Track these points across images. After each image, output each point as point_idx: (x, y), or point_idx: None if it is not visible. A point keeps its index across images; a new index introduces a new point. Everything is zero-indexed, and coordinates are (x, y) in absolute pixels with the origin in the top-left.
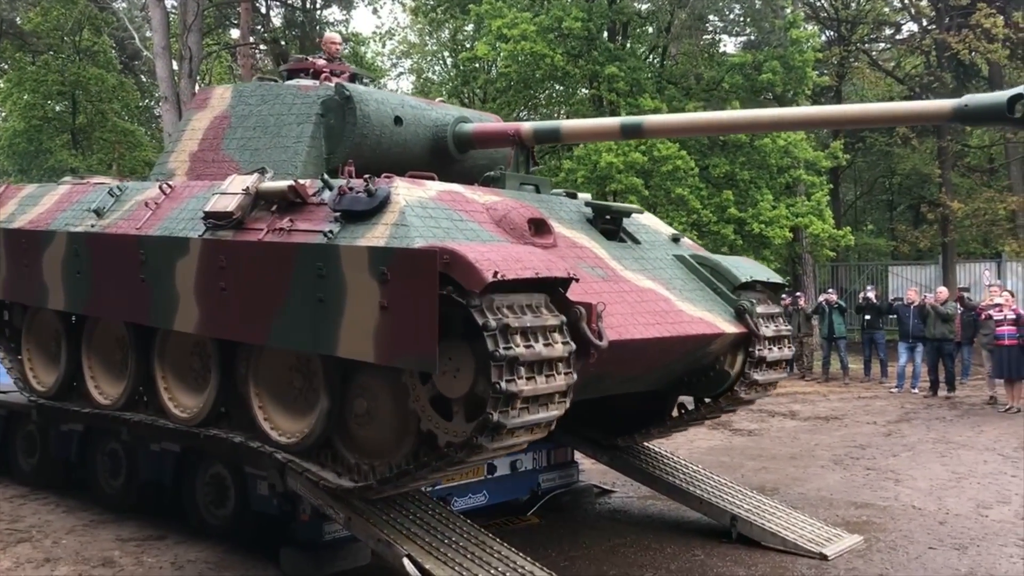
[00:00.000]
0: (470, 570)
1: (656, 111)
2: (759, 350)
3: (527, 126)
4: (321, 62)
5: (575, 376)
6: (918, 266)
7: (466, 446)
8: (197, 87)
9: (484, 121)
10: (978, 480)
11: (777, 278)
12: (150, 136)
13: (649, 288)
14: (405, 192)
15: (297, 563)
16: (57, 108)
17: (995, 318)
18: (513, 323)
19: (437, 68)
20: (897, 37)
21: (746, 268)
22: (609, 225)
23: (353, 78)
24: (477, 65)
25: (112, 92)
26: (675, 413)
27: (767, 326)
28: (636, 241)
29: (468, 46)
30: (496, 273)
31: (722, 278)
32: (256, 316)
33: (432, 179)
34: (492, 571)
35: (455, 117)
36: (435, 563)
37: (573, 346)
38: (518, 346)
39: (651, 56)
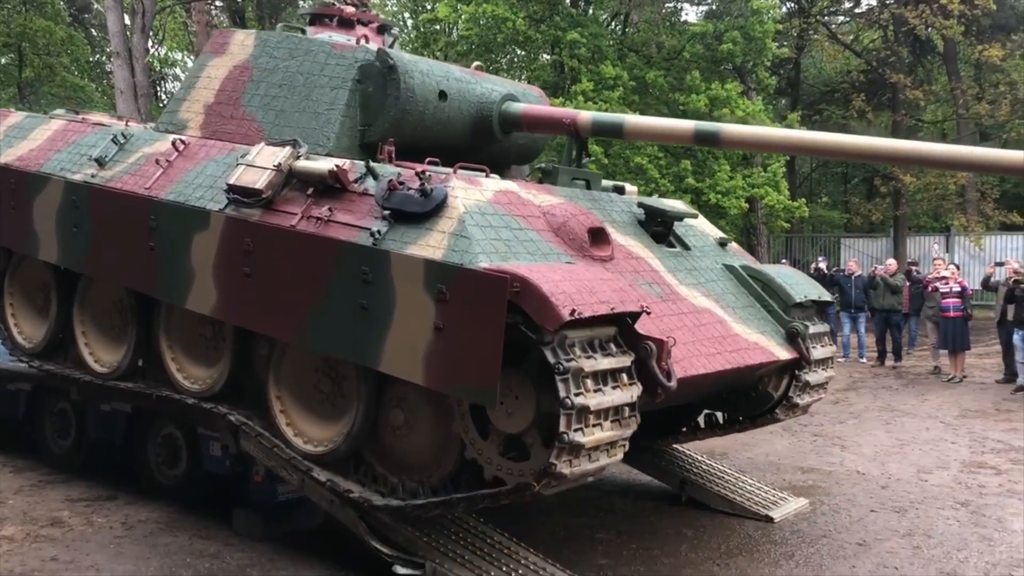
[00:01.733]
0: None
1: (616, 79)
2: (806, 373)
3: (586, 116)
4: (350, 9)
5: (639, 419)
6: (870, 238)
7: (519, 490)
8: (150, 43)
9: (528, 96)
10: (920, 447)
11: (827, 295)
12: (101, 93)
13: (705, 308)
14: (463, 194)
15: (249, 523)
16: (2, 61)
17: (941, 290)
18: (586, 366)
19: (396, 29)
20: (856, 11)
21: (799, 286)
22: (660, 228)
23: (382, 29)
24: (438, 27)
25: (61, 45)
26: (702, 423)
27: (816, 347)
28: (686, 247)
29: (429, 7)
30: (573, 312)
31: (774, 295)
32: (285, 312)
33: (484, 173)
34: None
35: (502, 94)
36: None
37: (640, 388)
38: (589, 391)
39: (613, 23)
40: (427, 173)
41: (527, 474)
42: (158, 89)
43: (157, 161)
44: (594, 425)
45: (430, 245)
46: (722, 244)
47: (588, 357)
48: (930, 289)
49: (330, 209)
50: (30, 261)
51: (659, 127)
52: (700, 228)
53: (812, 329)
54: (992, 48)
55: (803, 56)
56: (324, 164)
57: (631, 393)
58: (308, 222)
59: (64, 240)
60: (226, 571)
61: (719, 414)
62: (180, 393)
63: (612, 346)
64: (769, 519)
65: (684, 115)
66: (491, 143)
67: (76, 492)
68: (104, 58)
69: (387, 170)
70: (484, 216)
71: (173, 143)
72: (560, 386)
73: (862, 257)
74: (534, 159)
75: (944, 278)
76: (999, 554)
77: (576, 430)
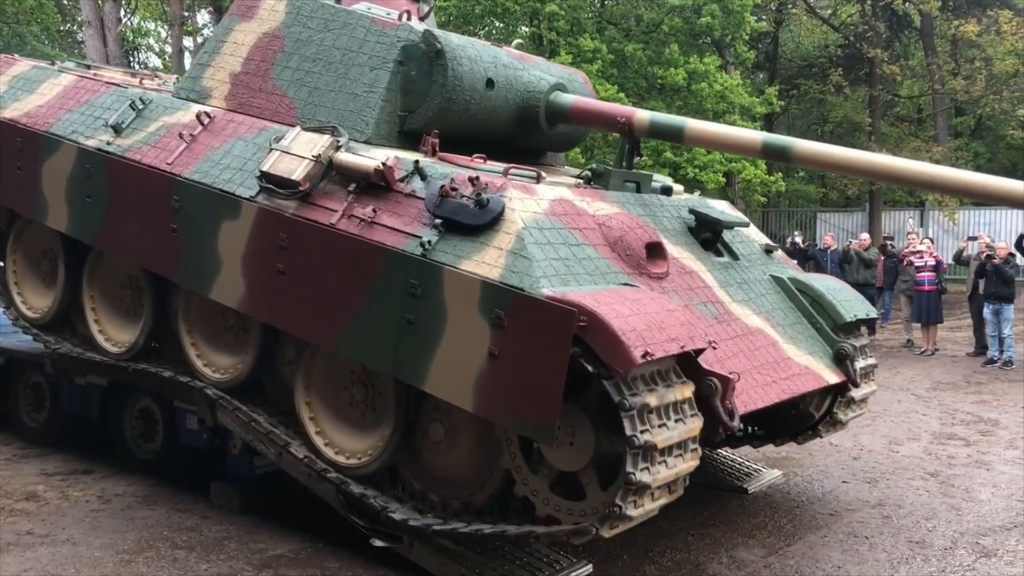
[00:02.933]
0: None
1: (596, 51)
2: (851, 393)
3: (643, 115)
4: None
5: (700, 453)
6: (845, 213)
7: (579, 532)
8: (122, 12)
9: (574, 83)
10: (892, 418)
11: (873, 311)
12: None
13: (757, 328)
14: (520, 206)
15: (227, 496)
16: None
17: (916, 264)
18: (651, 401)
19: None
20: None
21: (849, 303)
22: (709, 235)
23: None
24: None
25: (31, 14)
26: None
27: (862, 362)
28: (734, 255)
29: None
30: (646, 354)
31: (823, 312)
32: (321, 315)
33: (536, 176)
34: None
35: (550, 83)
36: None
37: (702, 419)
38: (654, 427)
39: None
40: (482, 180)
41: (587, 514)
42: (131, 59)
43: (181, 135)
44: (660, 462)
45: (486, 262)
46: (768, 251)
47: (652, 391)
48: (905, 263)
49: (374, 209)
50: (37, 225)
51: (723, 135)
52: (746, 234)
53: (858, 347)
54: (968, 24)
55: (781, 30)
56: (368, 160)
57: (694, 425)
58: (349, 221)
59: (75, 209)
60: (204, 544)
61: (756, 428)
62: (201, 380)
63: (673, 376)
64: (743, 490)
65: (662, 89)
66: (535, 133)
67: (51, 466)
68: (75, 27)
69: (436, 170)
70: (542, 231)
71: (198, 116)
72: (626, 423)
73: (838, 231)
74: (573, 147)
75: (919, 252)
76: (966, 523)
77: (643, 469)
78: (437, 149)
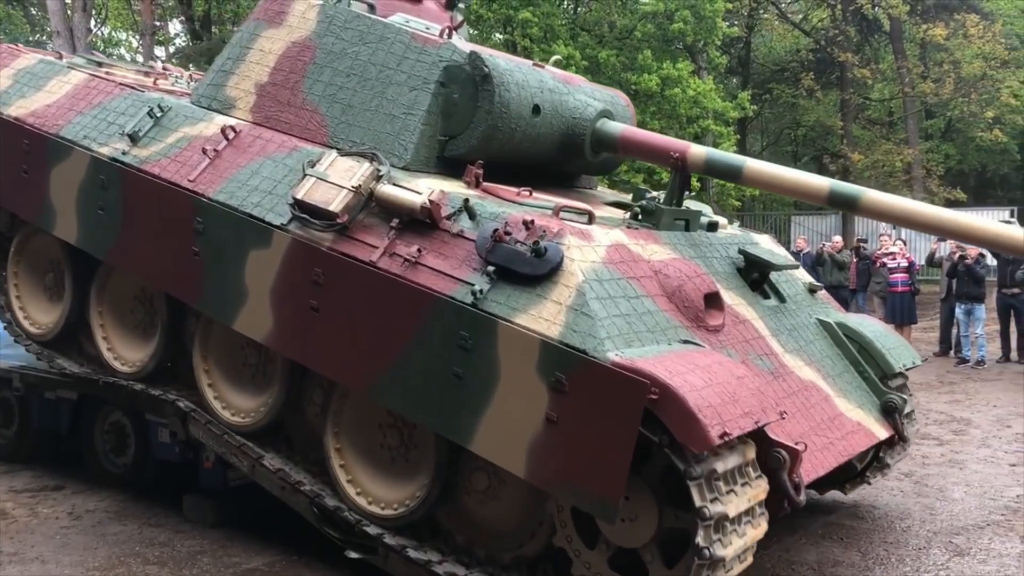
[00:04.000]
0: None
1: (569, 58)
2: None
3: (698, 152)
4: None
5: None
6: (819, 216)
7: None
8: (92, 22)
9: (617, 105)
10: None
11: (919, 359)
12: (83, 59)
13: (810, 382)
14: (578, 255)
15: (200, 509)
16: None
17: (889, 266)
18: (718, 467)
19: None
20: None
21: (896, 351)
22: (757, 276)
23: (451, 4)
24: None
25: None
26: None
27: (908, 409)
28: (782, 298)
29: None
30: (724, 435)
31: (872, 361)
32: (358, 358)
33: (588, 217)
34: None
35: (597, 110)
36: None
37: (766, 481)
38: (723, 494)
39: (565, 2)
40: (537, 224)
41: None
42: None
43: (204, 150)
44: (732, 532)
45: (543, 318)
46: (812, 291)
47: (717, 456)
48: (878, 265)
49: (419, 249)
50: (42, 234)
51: (784, 178)
52: (791, 273)
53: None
54: (936, 27)
55: (753, 35)
56: (414, 196)
57: (761, 488)
58: (392, 260)
59: (86, 221)
60: (176, 559)
61: None
62: (218, 420)
63: (736, 439)
64: None
65: (635, 95)
66: (577, 160)
67: (20, 483)
68: (44, 37)
69: (485, 208)
70: (602, 284)
71: (223, 130)
72: (694, 493)
73: (811, 234)
74: (610, 171)
75: (892, 253)
76: (940, 522)
77: (715, 541)
78: (481, 180)
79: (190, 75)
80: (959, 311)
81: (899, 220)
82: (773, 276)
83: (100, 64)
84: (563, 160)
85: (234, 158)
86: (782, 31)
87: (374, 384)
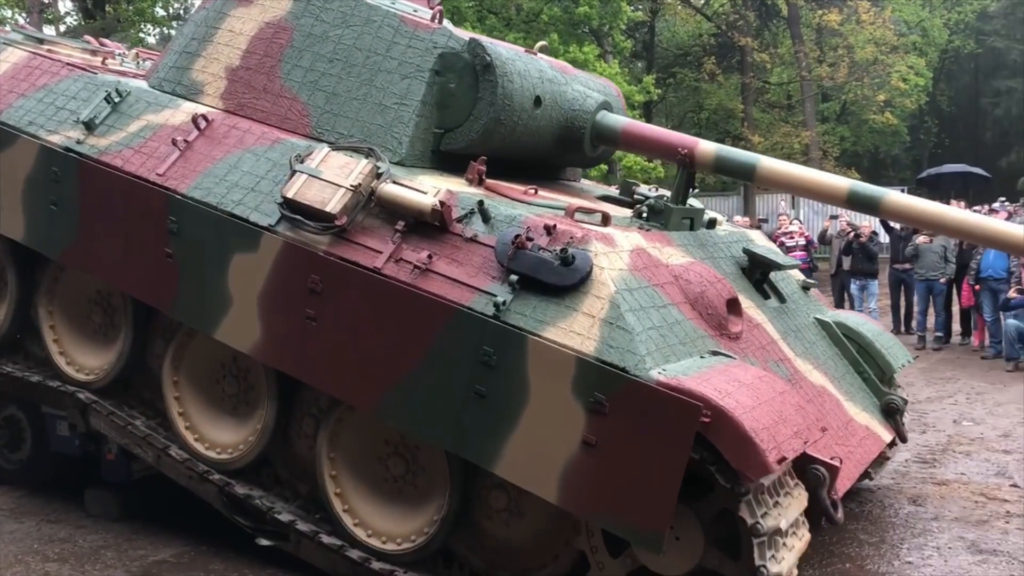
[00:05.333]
0: None
1: None
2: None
3: (707, 148)
4: None
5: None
6: (722, 196)
7: None
8: None
9: (609, 95)
10: None
11: (910, 357)
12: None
13: (822, 387)
14: (607, 263)
15: (103, 503)
16: None
17: (787, 244)
18: (764, 480)
19: None
20: None
21: (894, 349)
22: (759, 276)
23: None
24: None
25: None
26: None
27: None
28: (781, 298)
29: None
30: (782, 459)
31: (872, 362)
32: (362, 374)
33: (604, 219)
34: None
35: (598, 101)
36: None
37: (804, 488)
38: (770, 507)
39: None
40: (561, 230)
41: None
42: None
43: (174, 141)
44: (783, 546)
45: (575, 332)
46: (805, 289)
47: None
48: (777, 243)
49: (430, 255)
50: None
51: (801, 178)
52: (785, 271)
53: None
54: (831, 13)
55: (657, 20)
56: (422, 197)
57: (802, 497)
58: (398, 266)
59: (35, 217)
60: (78, 554)
61: None
62: (197, 459)
63: None
64: None
65: None
66: (574, 155)
67: None
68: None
69: (499, 211)
70: (632, 293)
71: (193, 119)
72: (744, 510)
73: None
74: (598, 164)
75: (790, 232)
76: None
77: (771, 558)
78: (484, 177)
79: (136, 53)
80: (854, 286)
81: (922, 222)
82: (775, 276)
83: (41, 41)
84: (559, 154)
85: (208, 150)
86: (685, 16)
87: (381, 402)
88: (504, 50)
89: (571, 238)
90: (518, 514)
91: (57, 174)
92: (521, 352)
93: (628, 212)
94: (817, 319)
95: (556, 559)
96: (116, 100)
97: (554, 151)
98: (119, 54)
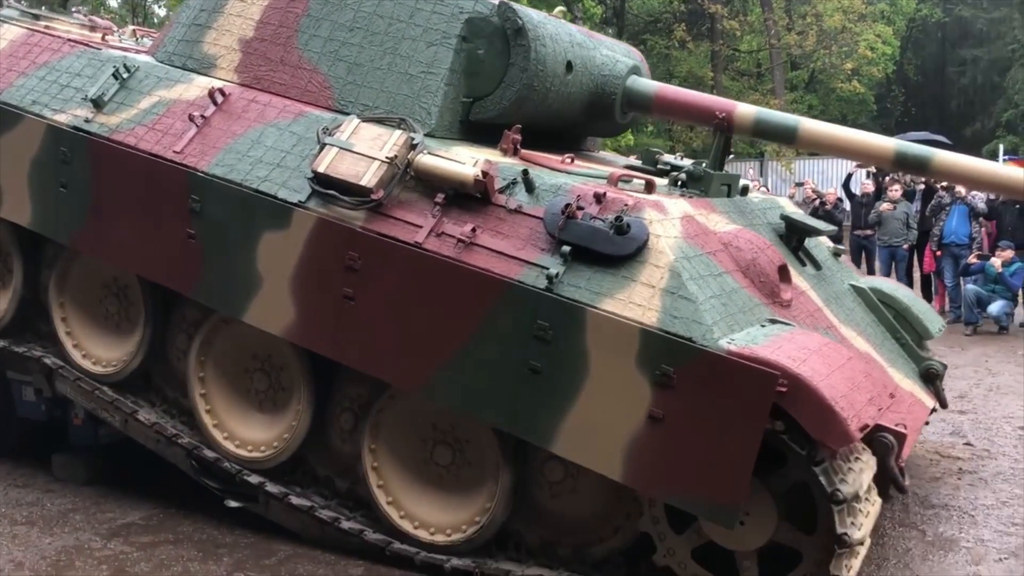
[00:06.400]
0: None
1: None
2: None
3: (746, 111)
4: None
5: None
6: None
7: None
8: None
9: (633, 57)
10: None
11: (944, 324)
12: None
13: (866, 352)
14: (662, 231)
15: (71, 468)
16: None
17: None
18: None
19: None
20: None
21: (930, 314)
22: (795, 243)
23: None
24: None
25: None
26: None
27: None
28: (817, 265)
29: None
30: (864, 427)
31: (909, 328)
32: (406, 353)
33: (649, 186)
34: None
35: (628, 66)
36: None
37: (870, 453)
38: (845, 472)
39: None
40: (611, 198)
41: None
42: None
43: (191, 117)
44: (859, 512)
45: (635, 303)
46: (836, 255)
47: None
48: None
49: (474, 228)
50: None
51: (845, 139)
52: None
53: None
54: None
55: None
56: (463, 168)
57: (870, 463)
58: (440, 241)
59: (43, 200)
60: (46, 518)
61: None
62: (233, 461)
63: None
64: None
65: None
66: (603, 122)
67: None
68: None
69: (544, 180)
70: (689, 261)
71: (210, 93)
72: (822, 479)
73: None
74: (620, 134)
75: None
76: None
77: (851, 524)
78: (518, 147)
79: (134, 30)
80: None
81: (973, 181)
82: (809, 243)
83: (36, 17)
84: (587, 122)
85: (227, 125)
86: None
87: (429, 382)
88: (535, 13)
89: (624, 206)
90: (572, 489)
91: (66, 155)
92: (579, 326)
93: (662, 181)
94: (852, 285)
95: (616, 532)
96: (124, 76)
97: (583, 119)
98: (116, 33)
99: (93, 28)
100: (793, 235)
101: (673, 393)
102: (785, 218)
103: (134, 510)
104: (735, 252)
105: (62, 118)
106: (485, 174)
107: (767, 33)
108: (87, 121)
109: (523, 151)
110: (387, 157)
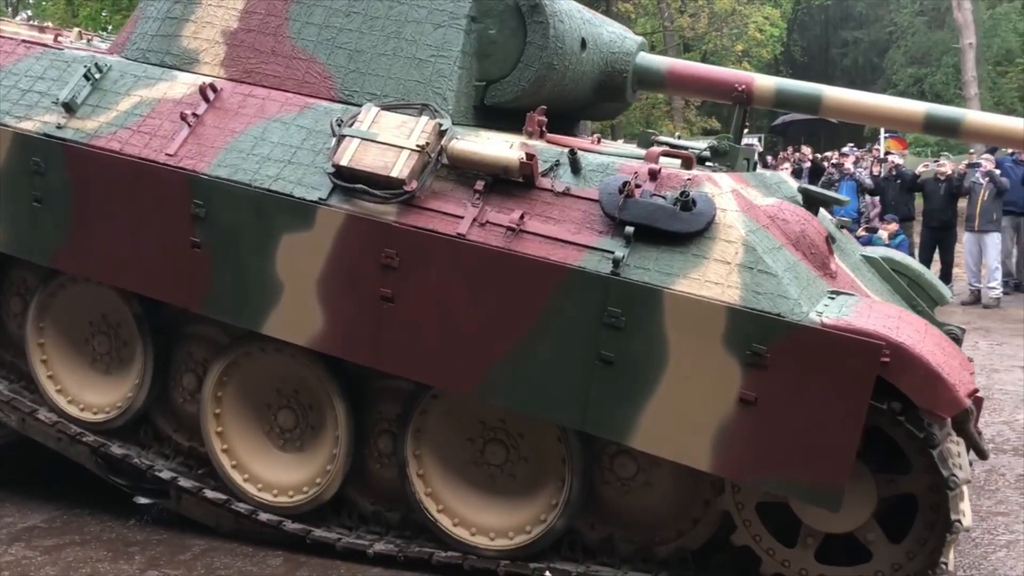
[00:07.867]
0: None
1: None
2: None
3: (766, 83)
4: None
5: None
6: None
7: None
8: None
9: (633, 36)
10: None
11: (951, 294)
12: None
13: None
14: (727, 205)
15: None
16: None
17: None
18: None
19: None
20: None
21: (940, 284)
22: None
23: None
24: None
25: None
26: None
27: None
28: (832, 238)
29: None
30: (971, 392)
31: (923, 294)
32: (457, 353)
33: (687, 162)
34: None
35: (636, 42)
36: None
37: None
38: (954, 457)
39: None
40: (667, 174)
41: None
42: None
43: (182, 116)
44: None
45: (711, 281)
46: (842, 227)
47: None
48: None
49: (522, 215)
50: None
51: (873, 106)
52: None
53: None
54: None
55: None
56: (506, 152)
57: (959, 440)
58: (485, 231)
59: (15, 217)
60: None
61: None
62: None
63: None
64: None
65: None
66: (612, 101)
67: None
68: None
69: (588, 160)
70: (756, 235)
71: (201, 90)
72: (939, 464)
73: None
74: (616, 116)
75: None
76: None
77: (962, 511)
78: (544, 127)
79: (79, 32)
80: None
81: (1002, 140)
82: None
83: None
84: (596, 102)
85: (223, 123)
86: None
87: (483, 382)
88: None
89: (687, 180)
90: (644, 485)
91: (39, 165)
92: (656, 309)
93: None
94: (864, 256)
95: (694, 527)
96: (97, 76)
97: (592, 98)
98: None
99: (43, 30)
100: (810, 206)
101: (766, 373)
102: (803, 189)
103: (35, 513)
104: (783, 225)
105: (29, 125)
106: (531, 156)
107: (660, 16)
108: (59, 127)
109: (548, 135)
110: (417, 145)
